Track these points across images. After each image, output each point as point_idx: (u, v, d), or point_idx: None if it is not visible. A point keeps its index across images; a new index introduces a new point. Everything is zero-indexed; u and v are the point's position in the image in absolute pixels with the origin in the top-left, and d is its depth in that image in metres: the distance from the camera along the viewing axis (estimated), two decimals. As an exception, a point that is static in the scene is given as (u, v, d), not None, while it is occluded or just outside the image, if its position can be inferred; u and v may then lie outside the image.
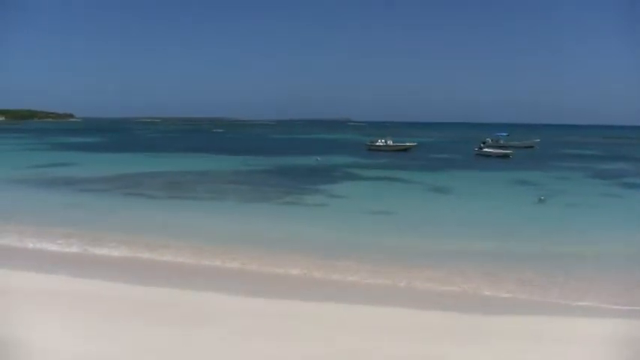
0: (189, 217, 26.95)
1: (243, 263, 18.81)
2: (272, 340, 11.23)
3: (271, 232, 23.63)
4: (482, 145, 79.11)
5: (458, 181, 44.68)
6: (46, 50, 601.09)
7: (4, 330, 10.97)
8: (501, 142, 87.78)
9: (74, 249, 20.38)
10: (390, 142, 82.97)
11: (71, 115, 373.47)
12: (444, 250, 20.89)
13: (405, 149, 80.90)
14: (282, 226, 24.74)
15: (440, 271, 18.05)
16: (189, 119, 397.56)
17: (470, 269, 18.29)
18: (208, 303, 14.08)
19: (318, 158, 65.33)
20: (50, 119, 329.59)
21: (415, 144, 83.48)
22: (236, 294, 14.83)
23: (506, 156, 70.30)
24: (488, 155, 71.66)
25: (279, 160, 65.20)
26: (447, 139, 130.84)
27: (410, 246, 21.47)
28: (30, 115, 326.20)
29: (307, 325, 12.52)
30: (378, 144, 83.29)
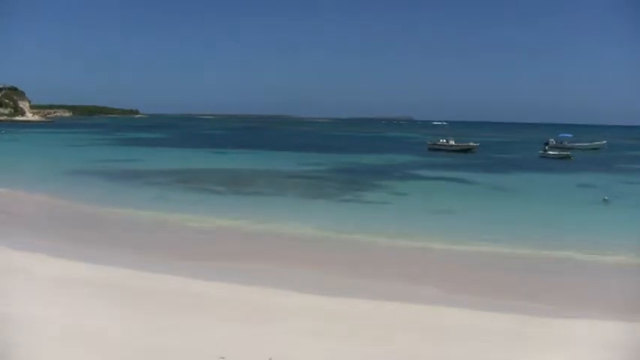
0: (249, 212, 27.43)
1: (304, 259, 19.10)
2: (333, 339, 11.31)
3: (330, 228, 23.78)
4: (545, 146, 77.56)
5: (520, 182, 44.17)
6: (112, 47, 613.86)
7: (71, 320, 11.59)
8: (565, 143, 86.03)
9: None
10: (452, 142, 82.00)
11: (136, 112, 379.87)
12: (505, 251, 20.70)
13: (467, 149, 79.76)
14: (342, 223, 24.89)
15: (498, 273, 18.17)
16: (249, 116, 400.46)
17: (532, 270, 18.40)
18: (271, 300, 14.16)
19: (382, 156, 65.55)
20: (116, 115, 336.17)
21: (477, 144, 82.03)
22: (298, 291, 14.89)
23: (566, 157, 69.06)
24: (550, 157, 70.50)
25: (340, 157, 65.49)
26: (510, 140, 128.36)
27: (469, 246, 21.37)
28: (96, 110, 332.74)
29: (367, 325, 12.48)
30: (439, 143, 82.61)
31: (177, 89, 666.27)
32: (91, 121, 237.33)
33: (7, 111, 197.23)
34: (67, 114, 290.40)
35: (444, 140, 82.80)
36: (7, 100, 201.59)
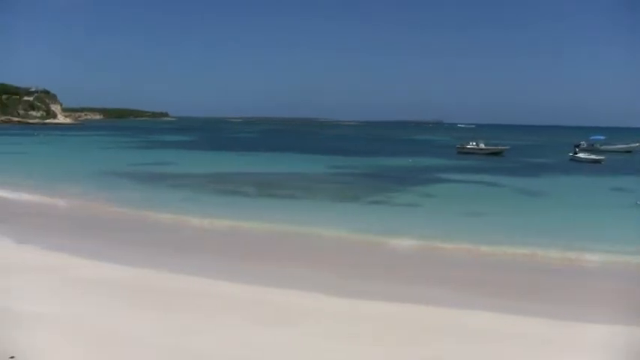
0: (278, 214, 27.37)
1: (333, 262, 19.14)
2: (363, 344, 11.29)
3: (360, 230, 23.68)
4: (576, 149, 76.52)
5: (550, 186, 43.81)
6: (141, 50, 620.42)
7: (104, 320, 11.79)
8: (597, 145, 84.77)
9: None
10: (481, 145, 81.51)
11: (166, 114, 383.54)
12: (533, 254, 20.51)
13: (497, 152, 79.19)
14: (371, 226, 24.70)
15: (525, 275, 18.04)
16: (279, 119, 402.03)
17: (561, 274, 18.26)
18: (298, 302, 14.17)
19: (410, 160, 65.54)
20: (146, 118, 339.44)
21: (507, 147, 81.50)
22: (326, 293, 14.84)
23: (597, 160, 67.89)
24: (580, 160, 69.68)
25: (370, 160, 65.40)
26: (540, 143, 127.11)
27: (498, 248, 21.13)
28: (126, 113, 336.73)
29: (400, 328, 12.44)
30: (468, 146, 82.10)
31: (206, 92, 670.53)
32: (121, 123, 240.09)
33: (39, 114, 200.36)
34: (98, 117, 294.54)
35: (474, 143, 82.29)
36: (39, 104, 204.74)
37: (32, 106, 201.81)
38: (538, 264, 19.62)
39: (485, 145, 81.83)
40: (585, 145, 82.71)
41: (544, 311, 13.85)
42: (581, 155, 72.07)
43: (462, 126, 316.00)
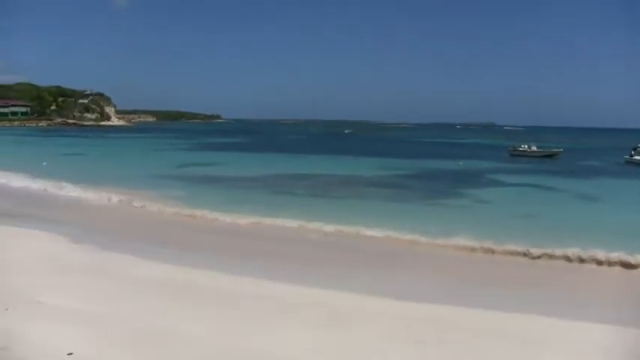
0: (331, 216, 27.00)
1: (388, 264, 19.07)
2: (417, 347, 11.26)
3: (413, 233, 23.23)
4: (632, 152, 74.46)
5: (606, 189, 42.76)
6: (194, 53, 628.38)
7: (157, 319, 11.98)
8: None
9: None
10: (533, 148, 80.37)
11: (218, 116, 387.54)
12: (590, 258, 19.74)
13: (550, 155, 77.88)
14: (425, 228, 24.07)
15: (582, 280, 17.74)
16: (329, 121, 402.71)
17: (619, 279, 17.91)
18: (352, 304, 14.15)
19: (461, 162, 65.04)
20: (198, 120, 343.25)
21: (560, 150, 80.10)
22: (381, 295, 14.83)
23: None
24: (637, 163, 67.65)
25: (421, 162, 64.97)
26: (595, 145, 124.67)
27: (554, 252, 20.47)
28: (179, 116, 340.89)
29: (453, 332, 12.35)
30: (520, 149, 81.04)
31: (258, 95, 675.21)
32: (174, 125, 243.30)
33: (94, 116, 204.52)
34: (151, 119, 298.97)
35: (526, 146, 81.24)
36: (94, 106, 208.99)
37: (87, 109, 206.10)
38: (594, 267, 19.19)
39: (537, 148, 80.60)
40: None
41: (607, 318, 13.44)
42: (637, 158, 70.12)
43: (509, 128, 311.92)
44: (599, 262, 19.45)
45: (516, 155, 78.61)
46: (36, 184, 35.73)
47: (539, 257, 20.10)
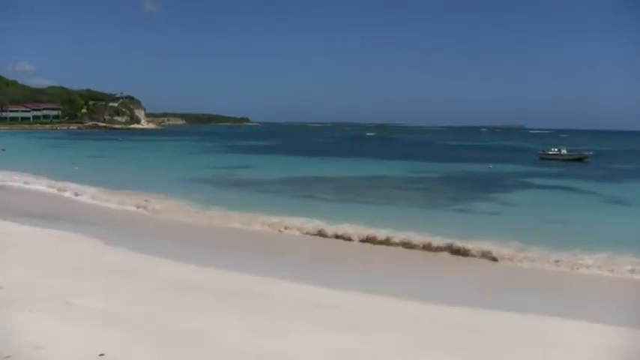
0: (364, 220, 26.98)
1: (417, 267, 19.22)
2: (450, 353, 11.14)
3: (441, 237, 22.87)
4: None
5: (638, 193, 42.51)
6: (224, 56, 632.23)
7: (188, 321, 11.98)
8: None
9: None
10: (563, 151, 79.56)
11: (247, 119, 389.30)
12: (622, 265, 19.47)
13: (580, 159, 77.15)
14: (453, 232, 23.80)
15: (616, 288, 17.55)
16: (357, 124, 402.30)
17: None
18: (378, 307, 14.12)
19: (490, 166, 64.60)
20: (227, 123, 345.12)
21: (591, 153, 79.16)
22: (412, 299, 14.82)
23: None
24: None
25: (449, 166, 64.69)
26: (626, 148, 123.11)
27: (586, 259, 20.07)
28: (208, 119, 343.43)
29: (491, 339, 12.22)
30: (550, 152, 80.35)
31: (286, 98, 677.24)
32: (203, 128, 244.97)
33: (124, 119, 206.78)
34: (180, 122, 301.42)
35: (556, 149, 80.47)
36: (124, 109, 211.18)
37: (117, 112, 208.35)
38: (627, 275, 18.86)
39: (567, 151, 79.85)
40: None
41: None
42: None
43: (534, 131, 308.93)
44: (632, 271, 19.03)
45: (546, 159, 77.93)
46: (68, 188, 36.16)
47: (565, 263, 19.82)
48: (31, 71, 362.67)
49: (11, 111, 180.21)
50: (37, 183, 39.31)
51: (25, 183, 39.46)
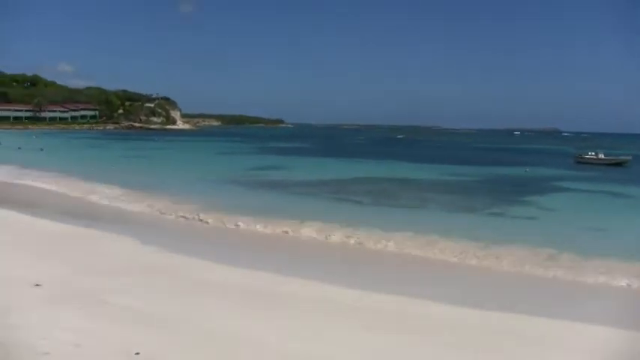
0: (399, 224, 26.73)
1: (446, 270, 19.16)
2: (486, 355, 11.14)
3: (477, 242, 22.89)
4: None
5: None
6: (259, 58, 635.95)
7: (223, 322, 12.02)
8: None
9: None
10: (601, 155, 78.41)
11: (281, 121, 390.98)
12: None
13: (618, 163, 75.60)
14: (489, 238, 23.72)
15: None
16: (391, 126, 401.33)
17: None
18: (412, 310, 14.11)
19: (527, 169, 63.91)
20: (262, 124, 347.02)
21: (629, 158, 77.80)
22: (447, 302, 14.76)
23: None
24: None
25: (484, 169, 64.18)
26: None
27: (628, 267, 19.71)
28: (243, 120, 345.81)
29: (526, 344, 12.10)
30: (587, 156, 79.27)
31: (321, 99, 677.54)
32: (238, 130, 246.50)
33: (159, 120, 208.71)
34: (215, 123, 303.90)
35: (593, 153, 79.40)
36: (159, 110, 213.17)
37: (153, 113, 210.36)
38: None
39: (605, 156, 78.62)
40: None
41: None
42: None
43: (567, 134, 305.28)
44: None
45: (582, 163, 76.85)
46: (105, 188, 36.61)
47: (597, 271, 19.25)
48: (70, 72, 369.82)
49: (50, 111, 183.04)
50: (73, 183, 39.79)
51: (58, 182, 39.88)
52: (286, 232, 24.66)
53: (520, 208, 34.41)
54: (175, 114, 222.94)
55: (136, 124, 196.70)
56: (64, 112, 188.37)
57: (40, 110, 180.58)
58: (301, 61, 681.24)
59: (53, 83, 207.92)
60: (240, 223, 25.98)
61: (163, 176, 46.93)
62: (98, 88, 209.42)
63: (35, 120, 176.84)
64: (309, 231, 24.85)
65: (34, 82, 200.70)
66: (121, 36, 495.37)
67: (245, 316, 12.60)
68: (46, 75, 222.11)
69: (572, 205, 37.60)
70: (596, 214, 32.91)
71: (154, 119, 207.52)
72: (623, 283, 18.14)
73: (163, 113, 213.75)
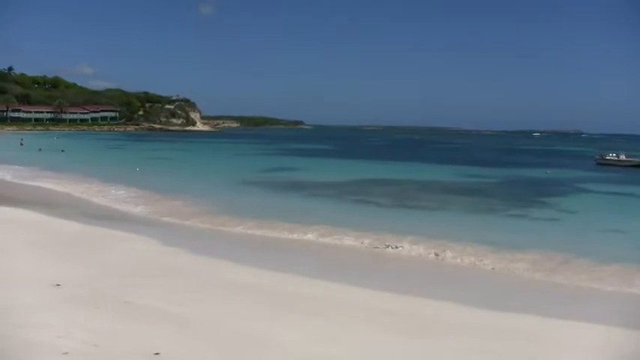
0: (417, 226, 26.72)
1: (468, 275, 19.14)
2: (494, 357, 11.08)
3: (500, 245, 22.81)
4: None
5: None
6: (277, 59, 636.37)
7: (247, 324, 12.03)
8: None
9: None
10: (622, 157, 77.81)
11: (301, 122, 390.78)
12: None
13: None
14: (510, 241, 23.62)
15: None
16: (410, 128, 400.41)
17: None
18: (438, 314, 14.11)
19: (548, 171, 63.44)
20: (281, 126, 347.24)
21: (651, 159, 77.35)
22: (472, 305, 14.83)
23: None
24: None
25: (504, 171, 63.88)
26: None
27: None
28: (262, 121, 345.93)
29: (552, 346, 12.10)
30: (608, 158, 78.68)
31: (341, 101, 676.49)
32: (257, 131, 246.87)
33: (179, 121, 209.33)
34: (235, 124, 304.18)
35: (614, 155, 78.74)
36: (179, 111, 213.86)
37: (173, 114, 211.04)
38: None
39: (626, 157, 77.88)
40: None
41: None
42: None
43: (585, 135, 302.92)
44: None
45: (603, 164, 76.27)
46: (127, 192, 36.87)
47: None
48: (90, 74, 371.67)
49: (71, 112, 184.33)
50: (93, 184, 40.05)
51: (78, 184, 40.06)
52: (308, 238, 24.54)
53: (540, 210, 34.15)
54: (195, 115, 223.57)
55: (156, 126, 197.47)
56: (85, 113, 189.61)
57: (61, 112, 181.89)
58: (321, 63, 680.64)
59: (74, 85, 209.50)
60: (263, 228, 25.94)
61: (185, 178, 47.17)
62: (119, 90, 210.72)
63: (56, 121, 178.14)
64: (324, 231, 24.98)
65: (55, 84, 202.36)
66: (142, 38, 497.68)
67: (269, 319, 12.61)
68: (67, 77, 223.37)
69: (593, 207, 37.23)
70: (616, 216, 32.59)
71: (174, 121, 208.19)
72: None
73: (183, 115, 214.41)
